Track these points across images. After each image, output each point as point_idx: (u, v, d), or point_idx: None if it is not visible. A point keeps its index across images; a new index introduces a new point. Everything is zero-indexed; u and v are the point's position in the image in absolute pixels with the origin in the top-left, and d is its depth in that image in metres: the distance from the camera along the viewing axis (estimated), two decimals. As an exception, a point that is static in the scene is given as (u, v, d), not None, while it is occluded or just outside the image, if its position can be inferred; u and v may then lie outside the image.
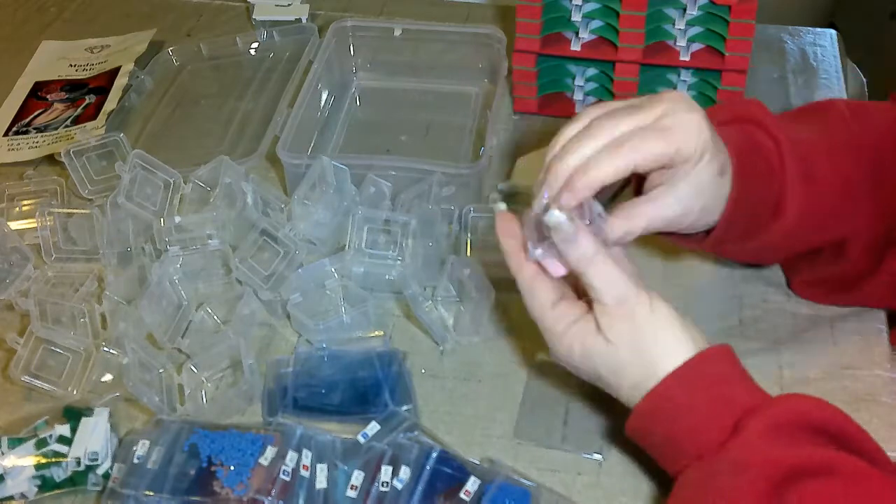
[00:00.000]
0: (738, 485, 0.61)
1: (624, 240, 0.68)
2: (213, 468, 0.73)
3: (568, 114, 1.08)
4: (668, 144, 0.65)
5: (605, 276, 0.65)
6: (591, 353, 0.67)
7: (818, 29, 1.20)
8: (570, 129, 0.68)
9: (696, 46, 1.01)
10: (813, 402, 0.65)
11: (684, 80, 1.04)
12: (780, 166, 0.72)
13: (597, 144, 0.65)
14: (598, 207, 0.67)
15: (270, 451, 0.74)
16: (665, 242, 0.77)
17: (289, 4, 1.24)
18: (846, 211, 0.76)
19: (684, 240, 0.75)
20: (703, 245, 0.74)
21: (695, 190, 0.67)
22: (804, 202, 0.73)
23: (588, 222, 0.66)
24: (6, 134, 1.13)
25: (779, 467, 0.60)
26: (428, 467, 0.73)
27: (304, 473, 0.73)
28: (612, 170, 0.64)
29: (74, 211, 0.95)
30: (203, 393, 0.83)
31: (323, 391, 0.81)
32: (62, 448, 0.76)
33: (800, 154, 0.73)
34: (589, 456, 0.76)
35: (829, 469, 0.61)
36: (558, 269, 0.68)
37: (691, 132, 0.66)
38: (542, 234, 0.66)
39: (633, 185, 0.73)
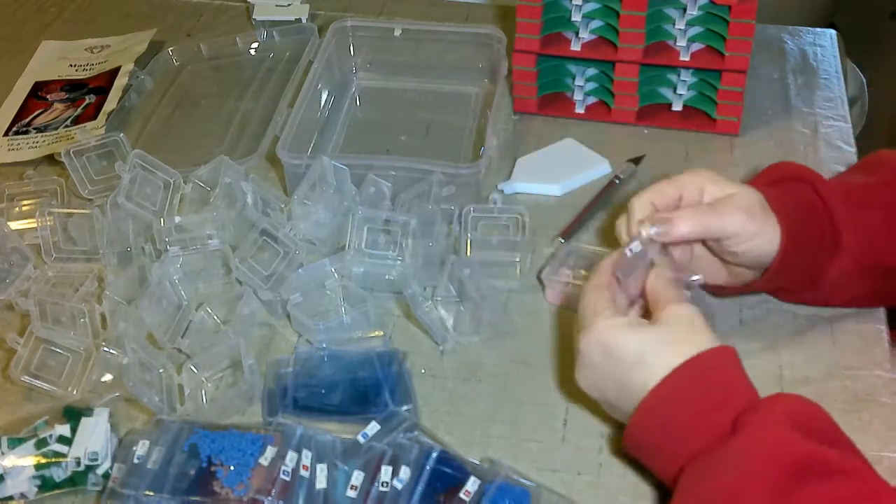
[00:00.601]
0: (744, 475, 0.61)
1: (689, 236, 0.74)
2: (213, 468, 0.73)
3: (568, 114, 1.08)
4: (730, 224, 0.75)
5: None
6: (620, 338, 0.69)
7: (818, 29, 1.20)
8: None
9: (696, 46, 1.01)
10: (803, 401, 0.66)
11: (684, 80, 1.04)
12: (823, 207, 0.78)
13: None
14: (696, 277, 0.78)
15: (270, 451, 0.74)
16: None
17: (289, 4, 1.24)
18: None
19: (747, 287, 0.81)
20: (764, 283, 0.79)
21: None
22: (858, 231, 0.77)
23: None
24: (6, 134, 1.13)
25: (785, 459, 0.60)
26: (428, 467, 0.73)
27: (304, 473, 0.73)
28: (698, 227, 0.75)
29: (74, 211, 0.95)
30: (203, 393, 0.83)
31: (323, 391, 0.81)
32: (62, 448, 0.76)
33: (844, 190, 0.79)
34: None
35: (837, 468, 0.61)
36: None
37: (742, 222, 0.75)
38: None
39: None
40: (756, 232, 0.75)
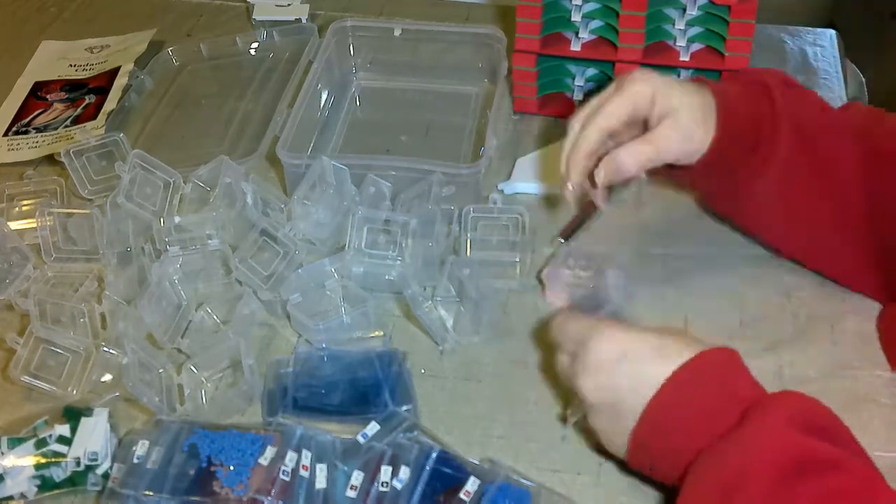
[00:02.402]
0: (742, 469, 0.61)
1: (643, 166, 0.77)
2: (212, 468, 0.73)
3: (568, 114, 1.08)
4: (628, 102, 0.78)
5: None
6: (628, 341, 0.69)
7: (818, 29, 1.20)
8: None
9: (696, 46, 1.01)
10: (809, 399, 0.66)
11: (684, 80, 1.04)
12: (770, 113, 0.80)
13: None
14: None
15: (270, 451, 0.74)
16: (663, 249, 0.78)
17: (289, 4, 1.24)
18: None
19: (679, 174, 0.82)
20: (687, 175, 0.81)
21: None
22: (787, 161, 0.79)
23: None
24: (6, 134, 1.13)
25: (781, 455, 0.61)
26: (428, 467, 0.73)
27: (304, 473, 0.73)
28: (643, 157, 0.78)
29: (74, 211, 0.95)
30: (203, 393, 0.83)
31: (323, 391, 0.81)
32: (62, 448, 0.76)
33: (793, 111, 0.80)
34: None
35: (841, 466, 0.61)
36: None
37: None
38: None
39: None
40: (696, 150, 0.78)
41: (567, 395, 0.79)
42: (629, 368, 0.68)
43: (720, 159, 0.78)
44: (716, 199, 0.90)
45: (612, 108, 0.78)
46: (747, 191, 0.82)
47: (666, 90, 0.77)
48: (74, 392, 0.82)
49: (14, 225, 0.97)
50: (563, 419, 0.79)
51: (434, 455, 0.73)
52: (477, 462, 0.75)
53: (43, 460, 0.75)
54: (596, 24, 1.02)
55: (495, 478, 0.72)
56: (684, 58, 1.01)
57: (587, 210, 0.92)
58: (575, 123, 0.82)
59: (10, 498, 0.75)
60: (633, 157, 0.78)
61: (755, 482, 0.60)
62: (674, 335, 0.69)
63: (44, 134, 1.12)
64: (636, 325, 0.72)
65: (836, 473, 0.60)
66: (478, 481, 0.72)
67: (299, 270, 0.88)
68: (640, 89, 0.78)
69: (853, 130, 0.81)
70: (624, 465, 0.74)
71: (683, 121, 0.77)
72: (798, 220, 0.84)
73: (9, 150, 1.10)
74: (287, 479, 0.73)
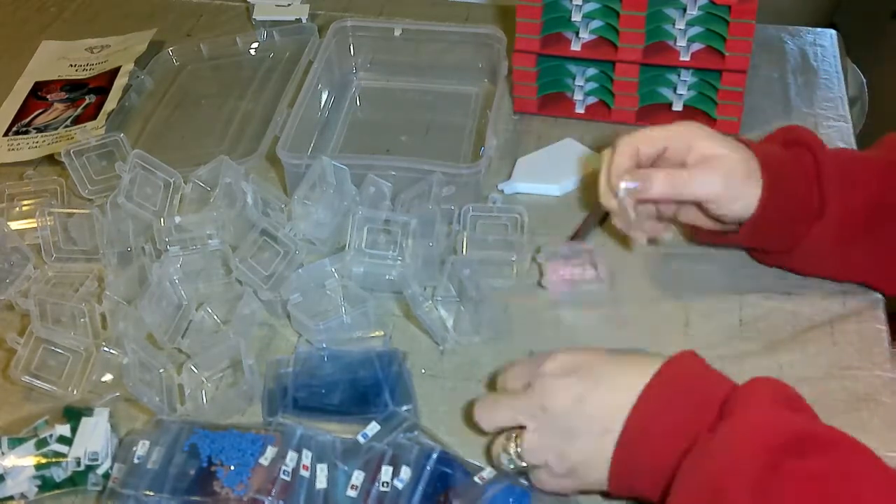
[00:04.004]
0: (734, 456, 0.60)
1: (664, 195, 0.77)
2: (213, 468, 0.73)
3: (568, 114, 1.08)
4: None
5: None
6: (587, 353, 0.69)
7: (818, 29, 1.20)
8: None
9: (696, 46, 1.01)
10: (779, 382, 0.66)
11: (684, 80, 1.04)
12: (816, 173, 0.78)
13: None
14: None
15: (270, 451, 0.74)
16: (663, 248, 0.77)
17: (289, 4, 1.24)
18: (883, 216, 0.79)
19: (724, 237, 0.83)
20: (740, 238, 0.81)
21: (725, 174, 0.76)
22: (844, 204, 0.78)
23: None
24: (6, 134, 1.13)
25: (776, 435, 0.60)
26: (428, 467, 0.73)
27: (304, 473, 0.73)
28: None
29: (74, 211, 0.95)
30: (203, 393, 0.83)
31: (323, 391, 0.81)
32: (62, 448, 0.76)
33: (839, 162, 0.79)
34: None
35: (822, 440, 0.61)
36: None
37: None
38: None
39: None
40: (735, 196, 0.76)
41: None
42: (590, 409, 0.67)
43: (771, 217, 0.78)
44: (766, 255, 0.87)
45: (649, 131, 0.79)
46: (801, 244, 0.81)
47: (705, 136, 0.78)
48: (75, 392, 0.82)
49: (14, 225, 0.97)
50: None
51: (435, 455, 0.73)
52: (477, 462, 0.75)
53: (43, 460, 0.75)
54: (596, 24, 1.02)
55: (496, 478, 0.72)
56: (684, 58, 1.01)
57: (597, 212, 0.92)
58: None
59: (11, 498, 0.75)
60: (666, 176, 0.77)
61: (745, 468, 0.59)
62: (617, 357, 0.69)
63: (44, 134, 1.12)
64: (577, 349, 0.71)
65: (831, 449, 0.60)
66: (478, 481, 0.72)
67: (299, 270, 0.88)
68: (678, 129, 0.78)
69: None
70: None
71: (723, 168, 0.77)
72: (859, 259, 0.83)
73: (9, 150, 1.10)
74: (287, 479, 0.73)
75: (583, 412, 0.67)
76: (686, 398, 0.65)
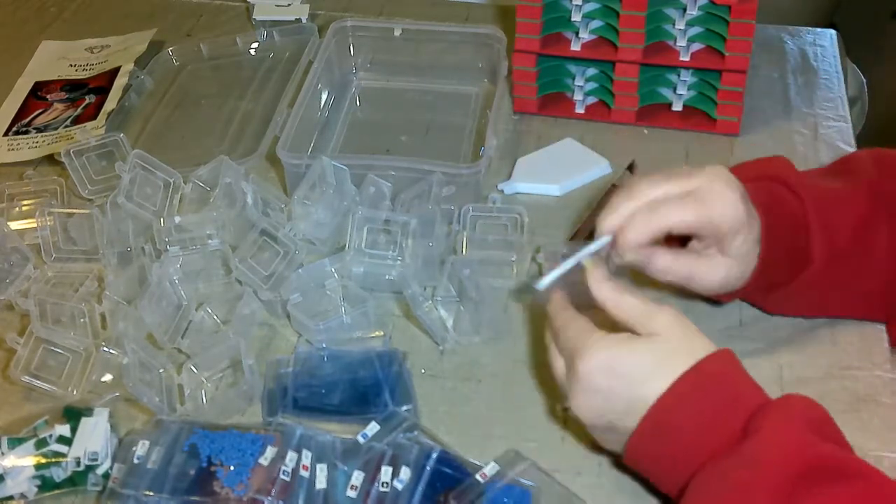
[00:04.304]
0: (758, 475, 0.60)
1: (661, 275, 0.75)
2: (212, 468, 0.73)
3: (568, 114, 1.08)
4: (701, 214, 0.71)
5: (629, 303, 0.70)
6: (624, 355, 0.67)
7: (818, 29, 1.20)
8: (618, 198, 0.73)
9: (696, 46, 1.01)
10: (813, 403, 0.66)
11: (684, 80, 1.04)
12: (804, 222, 0.77)
13: (635, 205, 0.72)
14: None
15: (270, 452, 0.74)
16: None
17: (289, 4, 1.24)
18: (864, 248, 0.78)
19: (725, 297, 0.82)
20: (738, 296, 0.81)
21: (736, 262, 0.74)
22: (827, 250, 0.76)
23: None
24: (6, 134, 1.13)
25: (800, 460, 0.60)
26: (428, 468, 0.73)
27: (304, 473, 0.73)
28: (646, 231, 0.71)
29: (74, 211, 0.95)
30: (203, 393, 0.83)
31: (323, 391, 0.81)
32: (62, 448, 0.76)
33: (821, 207, 0.77)
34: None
35: (848, 471, 0.61)
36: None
37: (727, 207, 0.71)
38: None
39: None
40: (745, 222, 0.72)
41: (556, 393, 0.78)
42: (623, 390, 0.67)
43: (768, 275, 0.76)
44: (766, 303, 0.85)
45: (679, 213, 0.72)
46: (798, 289, 0.79)
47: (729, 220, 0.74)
48: (74, 392, 0.82)
49: (14, 225, 0.97)
50: (554, 412, 0.78)
51: (434, 455, 0.73)
52: (477, 462, 0.75)
53: (43, 460, 0.75)
54: (596, 24, 1.02)
55: (496, 478, 0.72)
56: (684, 58, 1.01)
57: (598, 213, 0.91)
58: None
59: (11, 498, 0.75)
60: (678, 206, 0.71)
61: (768, 490, 0.59)
62: (667, 339, 0.67)
63: (44, 134, 1.12)
64: (625, 335, 0.69)
65: (854, 480, 0.60)
66: (478, 481, 0.72)
67: (299, 270, 0.88)
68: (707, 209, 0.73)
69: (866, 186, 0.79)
70: (623, 466, 0.74)
71: (727, 265, 0.75)
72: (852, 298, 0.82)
73: (9, 150, 1.10)
74: (287, 479, 0.73)
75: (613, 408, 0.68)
76: (706, 411, 0.65)
